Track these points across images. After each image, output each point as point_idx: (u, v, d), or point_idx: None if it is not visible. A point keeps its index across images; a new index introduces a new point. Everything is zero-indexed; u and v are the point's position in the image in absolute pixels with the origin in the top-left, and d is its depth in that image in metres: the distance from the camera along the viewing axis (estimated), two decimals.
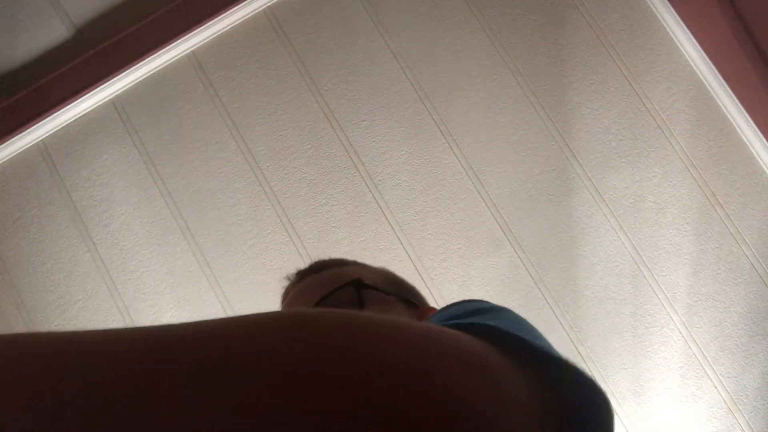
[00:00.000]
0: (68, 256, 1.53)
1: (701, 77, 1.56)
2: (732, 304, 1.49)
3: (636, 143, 1.54)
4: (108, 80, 1.54)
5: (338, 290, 0.57)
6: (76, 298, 1.51)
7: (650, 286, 1.49)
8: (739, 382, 1.46)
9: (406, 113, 1.56)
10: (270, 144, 1.56)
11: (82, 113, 1.56)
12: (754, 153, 1.53)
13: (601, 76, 1.56)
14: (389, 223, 1.52)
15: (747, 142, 1.53)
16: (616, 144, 1.54)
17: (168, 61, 1.57)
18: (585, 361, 1.47)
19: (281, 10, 1.59)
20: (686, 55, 1.57)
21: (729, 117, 1.54)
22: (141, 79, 1.57)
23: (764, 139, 1.51)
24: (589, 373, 0.33)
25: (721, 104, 1.55)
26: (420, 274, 1.50)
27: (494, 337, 0.31)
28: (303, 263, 1.51)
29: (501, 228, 1.52)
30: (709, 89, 1.55)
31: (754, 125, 1.52)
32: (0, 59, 1.59)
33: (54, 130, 1.56)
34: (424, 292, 1.48)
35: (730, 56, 1.49)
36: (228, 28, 1.58)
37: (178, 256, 1.52)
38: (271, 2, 1.58)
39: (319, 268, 0.67)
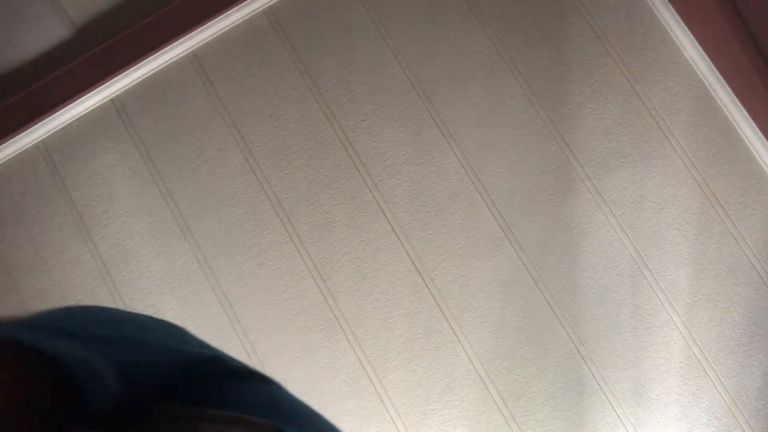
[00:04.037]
0: (68, 256, 1.53)
1: (701, 77, 1.56)
2: (732, 304, 1.49)
3: (636, 143, 1.54)
4: (108, 80, 1.54)
5: None
6: (77, 298, 1.51)
7: (650, 286, 1.49)
8: (739, 382, 1.46)
9: (406, 113, 1.56)
10: (270, 144, 1.55)
11: (82, 113, 1.56)
12: (754, 153, 1.53)
13: (601, 76, 1.56)
14: (389, 223, 1.52)
15: (747, 142, 1.53)
16: (617, 144, 1.54)
17: (168, 61, 1.57)
18: (585, 361, 1.47)
19: (281, 10, 1.59)
20: (686, 55, 1.57)
21: (729, 117, 1.54)
22: (141, 79, 1.57)
23: (764, 139, 1.51)
24: None
25: (721, 104, 1.55)
26: (420, 274, 1.50)
27: None
28: (303, 263, 1.51)
29: (501, 228, 1.52)
30: (709, 89, 1.55)
31: (754, 125, 1.51)
32: (0, 59, 1.59)
33: (54, 130, 1.56)
34: (425, 293, 1.49)
35: (730, 56, 1.49)
36: (228, 28, 1.58)
37: (178, 256, 1.52)
38: (272, 2, 1.58)
39: None
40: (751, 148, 1.53)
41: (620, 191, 1.53)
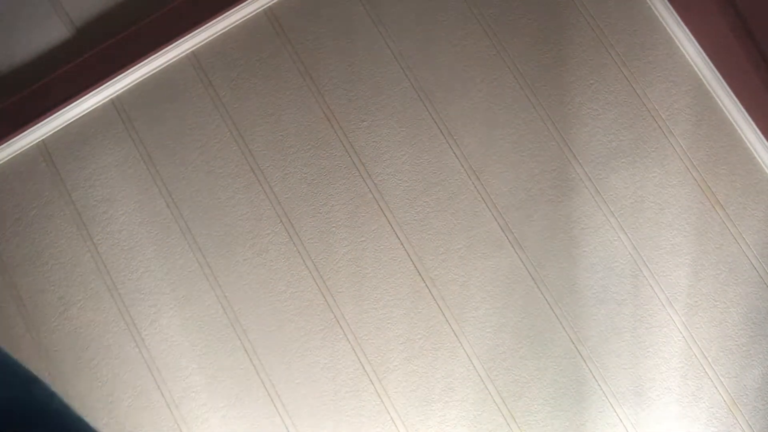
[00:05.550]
0: (68, 256, 1.53)
1: (701, 77, 1.56)
2: (732, 304, 1.49)
3: (636, 143, 1.54)
4: (108, 80, 1.54)
5: None
6: (76, 298, 1.51)
7: (650, 286, 1.49)
8: (739, 382, 1.46)
9: (406, 113, 1.56)
10: (270, 144, 1.56)
11: (82, 113, 1.56)
12: (754, 153, 1.53)
13: (601, 76, 1.56)
14: (389, 223, 1.52)
15: (747, 142, 1.53)
16: (617, 144, 1.54)
17: (168, 61, 1.57)
18: (585, 361, 1.47)
19: (281, 10, 1.59)
20: (686, 55, 1.57)
21: (729, 117, 1.54)
22: (141, 79, 1.57)
23: (764, 139, 1.51)
24: None
25: (721, 104, 1.55)
26: (420, 274, 1.50)
27: None
28: (303, 263, 1.51)
29: (501, 228, 1.52)
30: (709, 89, 1.55)
31: (754, 125, 1.52)
32: (0, 59, 1.59)
33: (54, 130, 1.56)
34: (425, 293, 1.49)
35: (730, 56, 1.49)
36: (228, 28, 1.58)
37: (178, 256, 1.52)
38: (271, 2, 1.58)
39: None
40: (751, 148, 1.53)
41: (620, 191, 1.53)
